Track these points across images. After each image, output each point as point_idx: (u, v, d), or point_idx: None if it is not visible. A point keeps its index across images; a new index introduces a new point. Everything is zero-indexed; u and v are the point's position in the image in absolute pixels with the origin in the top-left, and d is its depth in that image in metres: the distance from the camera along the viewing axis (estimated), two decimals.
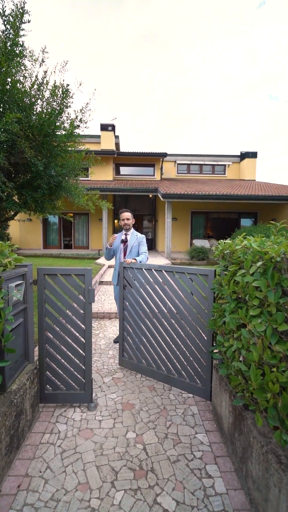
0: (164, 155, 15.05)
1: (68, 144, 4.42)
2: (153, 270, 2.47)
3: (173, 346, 2.36)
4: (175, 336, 2.35)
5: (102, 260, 9.65)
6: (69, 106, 4.34)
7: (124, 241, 3.05)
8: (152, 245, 15.94)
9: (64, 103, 4.11)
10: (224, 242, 1.85)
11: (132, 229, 3.12)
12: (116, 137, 15.85)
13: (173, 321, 2.36)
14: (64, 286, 1.99)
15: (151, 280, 2.48)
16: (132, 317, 2.66)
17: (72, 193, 4.49)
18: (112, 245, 3.02)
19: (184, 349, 2.29)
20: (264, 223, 11.53)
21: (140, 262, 2.74)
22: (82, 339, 2.01)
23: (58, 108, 3.98)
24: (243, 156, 17.37)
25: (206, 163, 17.20)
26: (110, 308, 4.37)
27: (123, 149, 15.81)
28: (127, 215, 3.04)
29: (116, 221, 15.78)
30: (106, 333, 3.55)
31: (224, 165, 17.58)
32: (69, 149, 4.64)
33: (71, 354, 2.03)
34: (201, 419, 1.94)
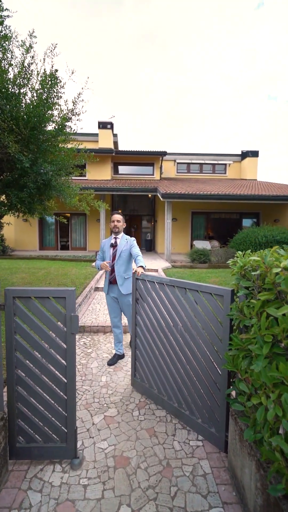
0: (164, 153, 14.62)
1: (59, 139, 3.98)
2: (164, 284, 2.06)
3: (184, 375, 1.95)
4: (186, 364, 1.94)
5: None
6: (60, 96, 3.91)
7: (114, 245, 2.85)
8: (151, 247, 15.51)
9: (53, 92, 3.68)
10: (250, 258, 1.41)
11: (122, 232, 2.93)
12: (115, 135, 15.40)
13: (185, 346, 1.95)
14: (40, 312, 1.56)
15: (162, 295, 2.09)
16: (144, 334, 2.30)
17: (63, 193, 4.05)
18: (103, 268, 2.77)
19: (196, 381, 1.87)
20: (268, 224, 11.11)
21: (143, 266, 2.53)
22: (63, 379, 1.58)
23: (45, 95, 3.53)
24: (244, 155, 16.96)
25: (206, 162, 16.78)
26: (106, 321, 3.94)
27: (122, 148, 15.37)
28: (117, 217, 2.86)
29: None
30: (100, 351, 3.12)
31: (225, 164, 17.17)
32: (60, 145, 4.20)
33: (49, 397, 1.60)
34: (215, 482, 1.52)
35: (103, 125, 14.75)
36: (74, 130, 4.05)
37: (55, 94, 3.75)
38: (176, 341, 2.01)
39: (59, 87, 3.88)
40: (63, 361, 1.57)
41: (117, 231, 2.86)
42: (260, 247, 9.10)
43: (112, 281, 2.81)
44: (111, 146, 14.54)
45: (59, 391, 1.59)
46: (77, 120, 4.01)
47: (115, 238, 2.88)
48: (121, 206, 15.63)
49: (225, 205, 13.80)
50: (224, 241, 13.15)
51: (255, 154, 16.88)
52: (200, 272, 7.86)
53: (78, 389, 2.37)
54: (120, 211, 15.45)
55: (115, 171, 15.62)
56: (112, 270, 2.79)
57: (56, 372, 1.58)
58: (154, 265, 8.83)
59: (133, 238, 2.89)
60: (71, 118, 3.99)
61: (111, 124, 14.81)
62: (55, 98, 3.87)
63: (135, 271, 2.37)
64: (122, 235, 2.90)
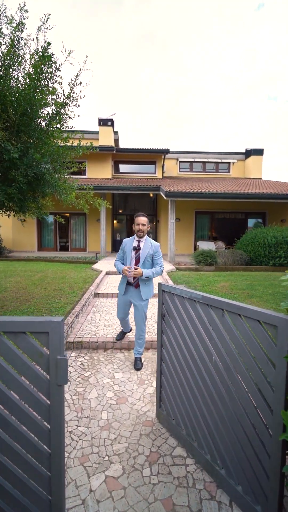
0: (166, 151, 14.14)
1: (53, 127, 3.49)
2: (196, 301, 1.58)
3: (219, 422, 1.47)
4: (221, 407, 1.46)
5: (99, 265, 8.72)
6: (54, 78, 3.43)
7: (137, 249, 2.75)
8: None
9: (46, 72, 3.20)
10: None
11: (146, 235, 2.80)
12: (115, 133, 14.93)
13: (220, 384, 1.47)
14: (12, 354, 1.06)
15: (193, 315, 1.61)
16: (171, 359, 1.85)
17: (58, 189, 3.56)
18: (126, 275, 2.70)
19: (234, 434, 1.38)
20: (277, 224, 10.59)
21: (150, 275, 2.66)
22: (46, 449, 1.09)
23: (35, 75, 3.04)
24: (249, 153, 16.48)
25: (209, 160, 16.30)
26: (106, 334, 3.45)
27: (123, 147, 14.87)
28: (143, 219, 2.72)
29: (115, 221, 14.86)
30: (100, 375, 2.63)
31: (229, 162, 16.69)
32: (57, 141, 3.71)
33: (26, 474, 1.10)
34: None
35: (103, 122, 14.27)
36: (72, 116, 3.56)
37: (48, 74, 3.26)
38: (209, 375, 1.53)
39: (53, 68, 3.41)
40: (46, 425, 1.08)
41: (142, 235, 2.74)
42: (269, 249, 8.61)
43: (135, 285, 2.76)
44: (112, 143, 14.07)
45: (39, 465, 1.09)
46: (75, 105, 3.53)
47: (139, 241, 2.77)
48: (122, 206, 15.15)
49: (230, 205, 13.31)
50: (229, 242, 12.66)
51: (259, 152, 16.39)
52: (207, 275, 7.36)
53: (72, 433, 1.88)
54: (120, 211, 14.97)
55: (116, 169, 15.15)
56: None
57: (35, 439, 1.09)
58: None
59: (158, 244, 2.81)
60: (67, 104, 3.51)
61: (112, 121, 14.33)
62: (49, 80, 3.39)
63: (134, 269, 2.58)
64: (146, 238, 2.79)
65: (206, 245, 11.73)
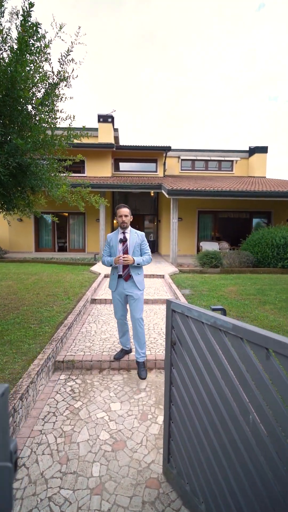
0: (168, 148, 13.66)
1: (42, 110, 3.02)
2: (223, 332, 1.10)
3: (257, 507, 0.99)
4: (261, 489, 0.99)
5: (98, 267, 8.26)
6: (44, 55, 2.97)
7: (123, 241, 2.70)
8: (154, 248, 14.54)
9: (33, 44, 2.74)
10: None
11: (130, 227, 2.76)
12: (115, 130, 14.47)
13: (259, 454, 1.00)
14: None
15: (218, 349, 1.14)
16: (184, 402, 1.37)
17: (45, 181, 3.08)
18: (118, 263, 2.58)
19: None
20: (286, 224, 10.09)
21: (141, 262, 2.63)
22: None
23: (19, 44, 2.57)
24: (252, 151, 15.99)
25: (212, 158, 15.80)
26: (103, 351, 2.98)
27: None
28: (125, 211, 2.68)
29: (115, 221, 14.38)
30: (93, 407, 2.16)
31: (232, 161, 16.19)
32: (45, 125, 3.23)
33: None
34: None
35: (103, 119, 13.81)
36: (63, 99, 3.09)
37: (36, 49, 2.80)
38: (243, 440, 1.06)
39: (41, 43, 2.95)
40: None
41: (125, 226, 2.69)
42: (278, 250, 8.14)
43: (125, 278, 2.66)
44: (112, 140, 13.61)
45: None
46: (66, 86, 3.06)
47: (124, 232, 2.71)
48: None
49: (234, 204, 12.83)
50: (233, 242, 12.19)
51: (263, 150, 15.91)
52: (212, 278, 6.89)
53: (52, 500, 1.41)
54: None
55: (116, 168, 14.68)
56: (126, 266, 2.65)
57: None
58: (159, 270, 7.86)
59: (142, 233, 2.78)
60: (58, 84, 3.04)
61: (112, 117, 13.87)
62: (37, 56, 2.93)
63: (124, 257, 2.51)
64: (130, 229, 2.75)
65: (210, 246, 11.25)
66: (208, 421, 1.23)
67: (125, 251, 2.67)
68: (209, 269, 7.97)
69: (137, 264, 2.60)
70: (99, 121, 13.78)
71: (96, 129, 14.03)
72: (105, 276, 7.14)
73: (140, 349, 2.63)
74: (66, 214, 13.40)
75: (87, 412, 2.09)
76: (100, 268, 8.05)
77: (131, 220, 2.74)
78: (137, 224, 14.90)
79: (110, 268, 2.74)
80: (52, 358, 2.67)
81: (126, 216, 2.67)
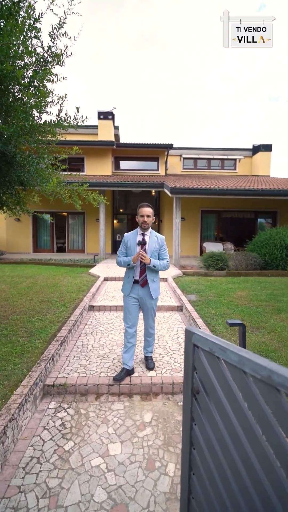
0: (170, 146, 13.23)
1: (29, 92, 2.61)
2: (278, 390, 0.68)
3: None
4: None
5: (97, 269, 7.84)
6: (33, 27, 2.56)
7: (142, 243, 2.49)
8: None
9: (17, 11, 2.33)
10: None
11: (151, 228, 2.55)
12: (116, 127, 14.06)
13: None
14: None
15: (269, 413, 0.71)
16: (209, 471, 0.95)
17: (33, 174, 2.66)
18: (136, 261, 2.42)
19: None
20: None
21: (157, 265, 2.45)
22: None
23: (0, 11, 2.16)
24: (256, 149, 15.56)
25: (215, 157, 15.37)
26: (101, 371, 2.57)
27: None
28: (148, 210, 2.46)
29: (115, 221, 13.97)
30: (87, 449, 1.75)
31: (235, 159, 15.75)
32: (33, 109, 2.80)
33: None
34: None
35: (103, 116, 13.40)
36: (54, 80, 2.68)
37: (24, 18, 2.39)
38: None
39: (32, 17, 2.54)
40: None
41: (146, 227, 2.49)
42: (287, 251, 7.72)
43: (142, 284, 2.50)
44: (112, 138, 13.20)
45: None
46: (58, 64, 2.65)
47: (143, 234, 2.52)
48: (122, 205, 14.26)
49: (238, 203, 12.42)
50: (237, 243, 11.76)
51: (268, 148, 15.47)
52: (219, 281, 6.47)
53: None
54: (120, 210, 14.08)
55: (116, 166, 14.27)
56: (143, 271, 2.49)
57: None
58: (162, 272, 7.43)
59: (163, 237, 2.60)
60: (49, 62, 2.63)
61: (112, 114, 13.47)
62: (26, 32, 2.52)
63: (141, 254, 2.34)
64: (151, 231, 2.55)
65: (214, 247, 10.83)
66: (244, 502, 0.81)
67: None
68: (214, 272, 7.56)
69: (153, 266, 2.44)
70: (99, 118, 13.38)
71: (96, 127, 13.63)
72: (105, 279, 6.73)
73: (148, 346, 2.70)
74: (65, 213, 13.01)
75: (79, 457, 1.68)
76: (100, 270, 7.63)
77: (153, 221, 2.55)
78: (137, 224, 14.46)
79: (124, 269, 2.60)
80: (40, 382, 2.26)
81: (148, 216, 2.46)
